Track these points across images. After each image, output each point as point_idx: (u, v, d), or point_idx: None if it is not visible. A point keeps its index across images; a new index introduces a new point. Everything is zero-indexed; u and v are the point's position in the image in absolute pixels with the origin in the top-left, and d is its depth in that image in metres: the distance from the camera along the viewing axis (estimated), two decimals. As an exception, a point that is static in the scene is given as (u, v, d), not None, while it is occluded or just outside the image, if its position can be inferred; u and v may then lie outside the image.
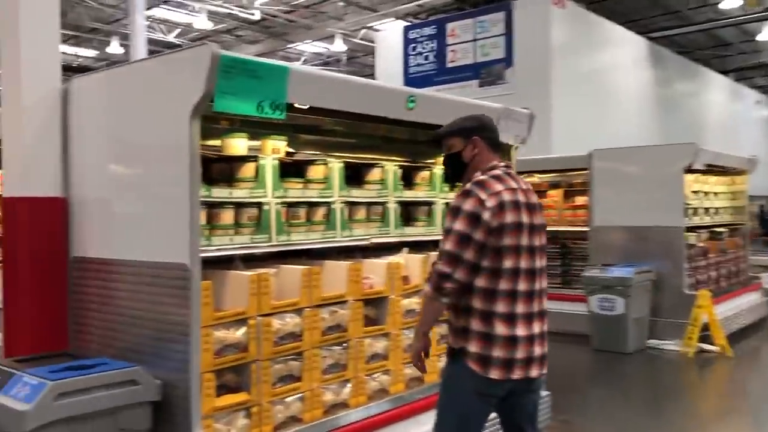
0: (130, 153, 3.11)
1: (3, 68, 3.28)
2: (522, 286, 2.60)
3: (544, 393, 4.56)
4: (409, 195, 4.24)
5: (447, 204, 4.26)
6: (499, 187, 2.61)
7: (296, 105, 3.21)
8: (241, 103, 2.86)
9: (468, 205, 2.55)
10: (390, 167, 4.10)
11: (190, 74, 2.74)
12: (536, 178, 8.81)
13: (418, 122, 3.83)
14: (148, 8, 13.79)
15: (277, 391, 3.21)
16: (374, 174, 4.05)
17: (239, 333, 3.05)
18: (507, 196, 2.60)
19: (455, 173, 2.87)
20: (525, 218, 2.63)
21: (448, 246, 2.53)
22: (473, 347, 2.57)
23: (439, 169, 4.39)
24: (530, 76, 10.95)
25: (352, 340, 3.58)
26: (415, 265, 4.01)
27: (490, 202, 2.56)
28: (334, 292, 3.52)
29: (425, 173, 4.41)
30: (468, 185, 2.64)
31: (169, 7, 15.37)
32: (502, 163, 2.77)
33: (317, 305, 3.41)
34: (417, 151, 4.75)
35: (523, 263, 2.61)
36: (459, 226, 2.53)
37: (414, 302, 3.88)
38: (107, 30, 18.19)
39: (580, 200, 8.46)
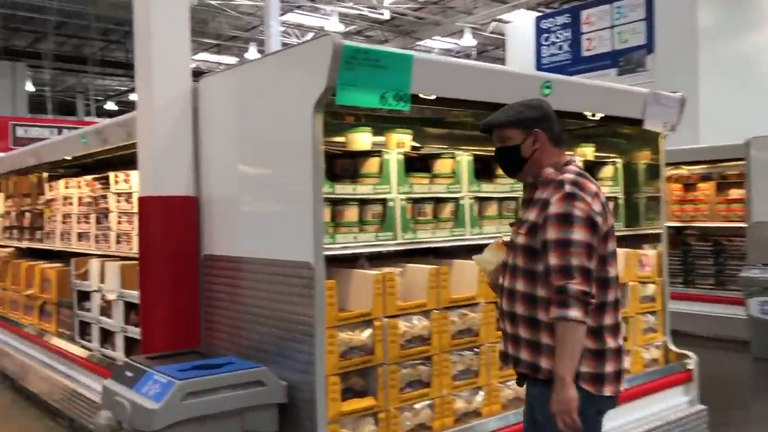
0: (255, 151, 3.09)
1: (136, 71, 3.37)
2: (615, 295, 2.37)
3: (700, 407, 4.13)
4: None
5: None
6: (594, 187, 2.31)
7: (421, 96, 3.04)
8: (364, 95, 2.73)
9: (579, 211, 2.21)
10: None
11: (312, 67, 2.66)
12: (685, 170, 8.11)
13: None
14: (283, 14, 14.26)
15: (405, 396, 3.06)
16: (506, 168, 3.80)
17: (364, 335, 2.93)
18: (603, 197, 2.33)
19: (509, 169, 2.52)
20: (611, 220, 2.36)
21: (577, 260, 2.17)
22: (584, 367, 2.25)
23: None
24: (674, 62, 10.15)
25: (484, 345, 3.36)
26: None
27: (596, 206, 2.26)
28: (464, 294, 3.32)
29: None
30: (568, 187, 2.25)
31: (302, 12, 15.81)
32: (575, 157, 2.45)
33: (446, 307, 3.23)
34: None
35: (616, 270, 2.38)
36: (579, 235, 2.19)
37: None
38: (246, 37, 19.06)
39: (735, 193, 7.68)
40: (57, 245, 5.88)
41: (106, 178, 5.10)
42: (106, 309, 4.67)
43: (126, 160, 5.37)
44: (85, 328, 5.05)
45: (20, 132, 16.80)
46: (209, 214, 3.32)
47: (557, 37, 12.05)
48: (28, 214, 6.66)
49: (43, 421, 4.92)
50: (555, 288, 2.19)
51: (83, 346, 5.00)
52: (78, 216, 5.56)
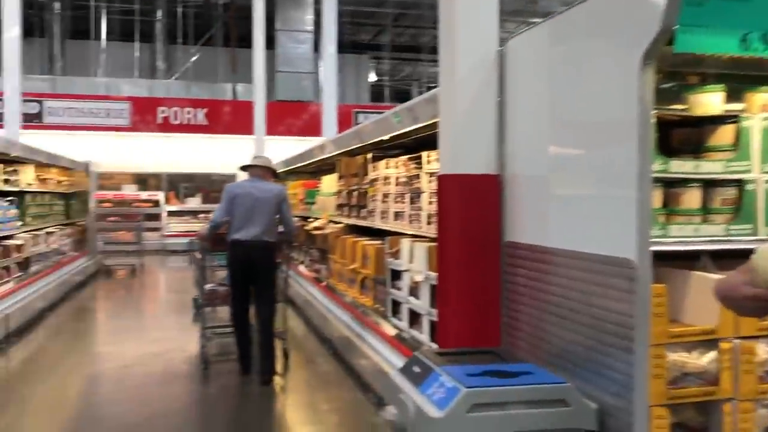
0: (567, 120, 2.57)
1: (440, 37, 3.09)
2: None
3: None
4: None
5: None
6: None
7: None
8: (717, 38, 2.04)
9: None
10: None
11: (641, 6, 2.05)
12: None
13: None
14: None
15: (762, 444, 2.29)
16: None
17: (706, 359, 2.24)
18: None
19: None
20: None
21: None
22: None
23: None
24: None
25: None
26: None
27: None
28: None
29: None
30: None
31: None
32: None
33: (828, 329, 2.34)
34: None
35: None
36: None
37: None
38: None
39: None
40: (377, 223, 6.06)
41: (419, 157, 5.02)
42: (414, 289, 4.60)
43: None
44: (396, 307, 5.07)
45: (361, 118, 18.43)
46: (513, 195, 2.91)
47: None
48: (355, 193, 7.04)
49: (354, 394, 5.07)
50: None
51: (394, 325, 5.02)
52: (395, 195, 5.63)
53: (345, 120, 16.96)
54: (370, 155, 6.57)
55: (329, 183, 8.66)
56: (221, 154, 17.82)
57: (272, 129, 15.50)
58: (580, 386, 2.25)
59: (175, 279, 13.15)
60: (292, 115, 18.10)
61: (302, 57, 19.15)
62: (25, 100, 16.23)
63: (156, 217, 17.05)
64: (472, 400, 2.09)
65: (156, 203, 17.28)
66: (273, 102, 17.53)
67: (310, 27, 19.16)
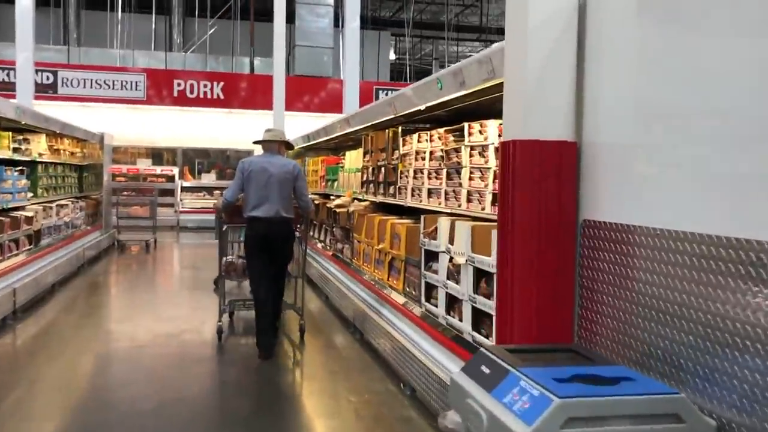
0: (681, 74, 2.13)
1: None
2: None
3: None
4: None
5: None
6: None
7: None
8: None
9: None
10: None
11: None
12: None
13: None
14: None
15: None
16: None
17: None
18: None
19: None
20: None
21: None
22: None
23: None
24: None
25: None
26: None
27: None
28: None
29: None
30: None
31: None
32: None
33: None
34: None
35: None
36: None
37: None
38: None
39: None
40: (408, 201, 5.65)
41: (460, 129, 4.59)
42: (453, 273, 4.19)
43: (481, 110, 4.82)
44: (431, 291, 4.67)
45: (382, 96, 17.95)
46: (593, 165, 2.48)
47: None
48: (382, 169, 6.62)
49: (384, 384, 4.69)
50: None
51: (428, 310, 4.63)
52: (429, 171, 5.21)
53: (365, 97, 16.47)
54: (400, 128, 6.15)
55: (353, 159, 8.24)
56: (237, 130, 17.44)
57: (290, 104, 15.07)
58: (690, 398, 1.85)
59: (189, 255, 12.84)
60: (310, 90, 17.65)
61: (322, 31, 18.64)
62: (39, 70, 15.91)
63: (170, 192, 16.72)
64: (567, 413, 1.68)
65: (171, 178, 16.94)
66: (291, 77, 17.06)
67: (331, 1, 18.63)
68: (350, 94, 12.75)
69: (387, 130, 6.49)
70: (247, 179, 5.44)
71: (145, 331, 6.18)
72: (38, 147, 8.84)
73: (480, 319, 3.81)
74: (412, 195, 5.60)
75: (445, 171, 4.84)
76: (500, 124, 4.01)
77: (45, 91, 16.09)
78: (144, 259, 11.51)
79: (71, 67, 16.99)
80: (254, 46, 19.28)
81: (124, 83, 16.76)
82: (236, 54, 19.85)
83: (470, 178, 4.38)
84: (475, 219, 4.28)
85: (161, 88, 17.00)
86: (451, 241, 4.24)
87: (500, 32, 24.02)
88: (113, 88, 16.69)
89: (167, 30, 20.86)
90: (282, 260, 5.62)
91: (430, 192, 5.19)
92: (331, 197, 9.33)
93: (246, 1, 20.60)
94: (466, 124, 4.43)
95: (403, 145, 6.00)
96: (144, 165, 17.07)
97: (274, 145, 5.72)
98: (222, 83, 17.35)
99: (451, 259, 4.22)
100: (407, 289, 5.19)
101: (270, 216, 5.36)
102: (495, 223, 3.89)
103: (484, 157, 4.21)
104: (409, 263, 5.18)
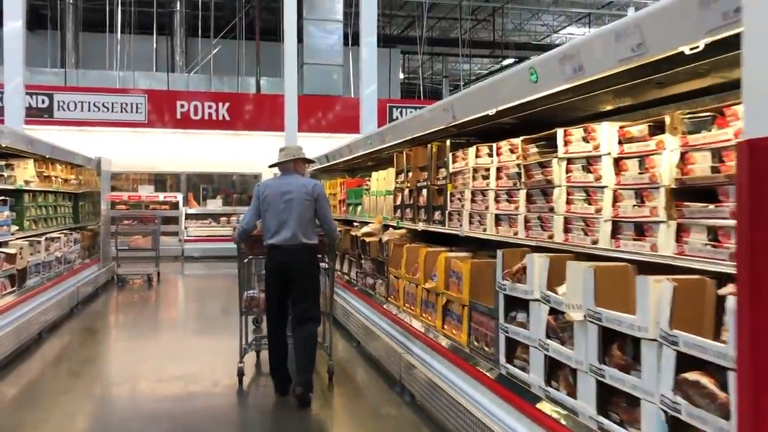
0: None
1: None
2: None
3: None
4: None
5: None
6: None
7: None
8: None
9: None
10: None
11: None
12: None
13: None
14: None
15: None
16: None
17: None
18: None
19: None
20: None
21: None
22: None
23: None
24: None
25: None
26: None
27: None
28: None
29: None
30: None
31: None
32: None
33: None
34: None
35: None
36: None
37: None
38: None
39: None
40: (465, 230, 4.58)
41: (549, 138, 3.54)
42: (557, 330, 3.11)
43: (571, 116, 3.78)
44: (514, 349, 3.59)
45: (396, 114, 16.98)
46: None
47: None
48: (424, 191, 5.57)
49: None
50: None
51: (511, 374, 3.54)
52: (496, 192, 4.16)
53: (379, 116, 15.51)
54: (448, 142, 5.11)
55: (383, 180, 7.20)
56: (244, 153, 16.46)
57: (300, 125, 14.07)
58: None
59: (196, 289, 11.76)
60: (321, 109, 16.67)
61: (331, 48, 17.72)
62: (33, 94, 14.98)
63: (174, 220, 15.70)
64: None
65: (174, 205, 15.93)
66: (301, 96, 16.09)
67: (340, 16, 17.74)
68: (368, 113, 11.74)
69: (430, 145, 5.45)
70: (264, 203, 4.97)
71: (148, 395, 5.09)
72: (24, 174, 7.81)
73: (609, 398, 2.73)
74: (471, 222, 4.54)
75: (523, 192, 3.78)
76: (622, 127, 2.96)
77: (40, 115, 15.14)
78: (146, 296, 10.43)
79: (68, 89, 16.05)
80: (260, 65, 18.36)
81: (124, 105, 15.80)
82: (241, 74, 18.93)
83: (569, 201, 3.32)
84: (578, 256, 3.22)
85: (163, 110, 16.03)
86: (552, 284, 3.17)
87: (515, 47, 23.18)
88: (112, 111, 15.71)
89: (169, 51, 19.98)
90: (305, 293, 4.94)
91: (498, 219, 4.13)
92: (355, 224, 8.27)
93: (251, 20, 19.74)
94: (560, 130, 3.38)
95: (454, 161, 4.96)
96: (146, 191, 16.09)
97: (290, 164, 5.17)
98: (227, 104, 16.38)
99: (553, 311, 3.14)
100: (474, 343, 4.10)
101: (288, 242, 4.87)
102: (623, 264, 2.85)
103: (591, 172, 3.15)
104: (476, 310, 4.10)
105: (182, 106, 16.12)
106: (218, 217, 16.35)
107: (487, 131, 4.76)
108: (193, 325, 8.42)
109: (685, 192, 2.56)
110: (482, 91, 3.81)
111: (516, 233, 3.87)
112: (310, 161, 5.54)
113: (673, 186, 2.59)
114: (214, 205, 16.72)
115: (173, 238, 15.50)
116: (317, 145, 11.67)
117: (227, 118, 16.35)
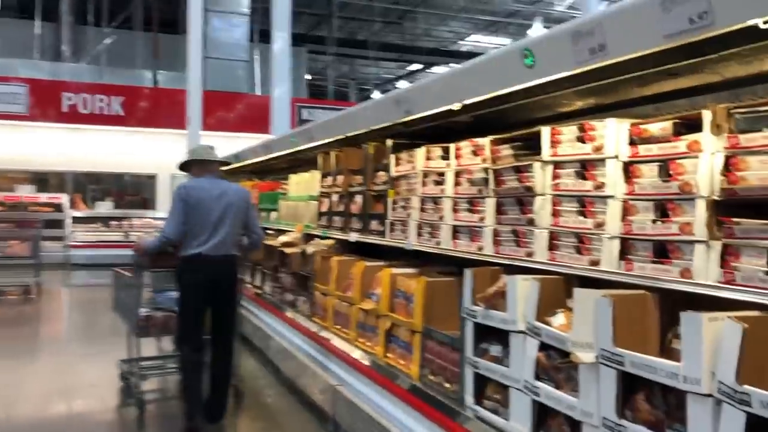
0: None
1: None
2: None
3: None
4: None
5: None
6: None
7: None
8: None
9: None
10: None
11: None
12: None
13: None
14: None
15: None
16: None
17: None
18: None
19: None
20: None
21: None
22: None
23: None
24: None
25: None
26: None
27: None
28: None
29: None
30: None
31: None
32: None
33: None
34: None
35: None
36: None
37: None
38: (527, 12, 16.61)
39: None
40: (412, 242, 3.98)
41: (529, 138, 3.00)
42: (549, 371, 2.55)
43: (526, 117, 3.27)
44: (483, 387, 3.01)
45: (305, 114, 16.25)
46: None
47: None
48: (358, 197, 4.93)
49: None
50: None
51: (481, 418, 2.96)
52: (455, 200, 3.58)
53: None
54: (390, 142, 4.49)
55: (304, 183, 6.49)
56: (139, 151, 15.19)
57: (203, 122, 13.09)
58: None
59: (82, 302, 10.52)
60: (226, 107, 15.65)
61: (237, 43, 16.75)
62: None
63: (58, 224, 14.19)
64: None
65: (58, 207, 14.42)
66: (204, 92, 15.04)
67: (246, 10, 16.81)
68: (280, 111, 10.97)
69: (366, 146, 4.82)
70: (193, 209, 4.36)
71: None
72: None
73: (626, 460, 2.18)
74: (419, 234, 3.94)
75: (491, 201, 3.22)
76: (635, 125, 2.44)
77: None
78: (21, 312, 9.14)
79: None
80: (159, 58, 17.10)
81: (1, 95, 14.16)
82: (136, 67, 17.56)
83: (555, 213, 2.78)
84: (568, 279, 2.69)
85: (47, 102, 14.50)
86: (542, 312, 2.60)
87: (426, 53, 22.95)
88: (-14, 102, 14.05)
89: (55, 38, 18.26)
90: (232, 313, 4.63)
91: (457, 231, 3.55)
92: (269, 232, 7.49)
93: (147, 8, 18.38)
94: (545, 129, 2.84)
95: (397, 164, 4.35)
96: (25, 192, 14.48)
97: (216, 165, 4.73)
98: (121, 98, 15.05)
99: (544, 346, 2.57)
100: (430, 377, 3.49)
101: (222, 253, 4.41)
102: (640, 291, 2.32)
103: (588, 179, 2.62)
104: (432, 338, 3.50)
105: (69, 98, 14.67)
106: (108, 220, 14.96)
107: (433, 132, 4.20)
108: (77, 344, 7.35)
109: (731, 206, 2.06)
110: (451, 79, 3.21)
111: (481, 248, 3.30)
112: (227, 164, 5.06)
113: (716, 197, 2.08)
114: (104, 207, 15.33)
115: (57, 244, 14.01)
116: (221, 145, 10.75)
117: (120, 113, 15.03)
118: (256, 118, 14.21)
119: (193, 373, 4.39)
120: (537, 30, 19.03)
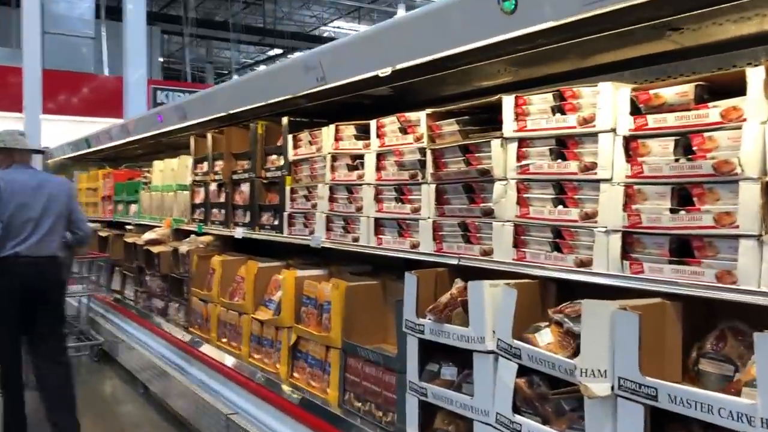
0: None
1: None
2: None
3: None
4: None
5: None
6: None
7: None
8: None
9: None
10: None
11: None
12: None
13: None
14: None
15: None
16: None
17: None
18: None
19: None
20: None
21: None
22: None
23: None
24: None
25: None
26: None
27: None
28: None
29: None
30: None
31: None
32: None
33: None
34: None
35: None
36: None
37: None
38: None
39: None
40: (320, 238, 3.31)
41: (485, 108, 2.45)
42: (537, 402, 2.01)
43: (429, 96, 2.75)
44: (431, 417, 2.43)
45: (160, 97, 14.88)
46: None
47: None
48: (245, 186, 4.17)
49: None
50: None
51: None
52: (377, 188, 2.96)
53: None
54: (286, 120, 3.79)
55: (170, 171, 5.59)
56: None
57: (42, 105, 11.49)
58: None
59: None
60: (69, 88, 13.90)
61: (80, 18, 14.98)
62: None
63: None
64: None
65: None
66: (42, 71, 13.27)
67: (91, -20, 15.09)
68: (135, 93, 9.79)
69: (254, 124, 4.07)
70: (7, 203, 3.85)
71: None
72: None
73: None
74: (329, 229, 3.29)
75: (429, 188, 2.64)
76: (639, 89, 1.94)
77: None
78: None
79: None
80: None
81: None
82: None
83: (522, 202, 2.25)
84: (545, 282, 2.17)
85: None
86: (517, 331, 2.06)
87: (289, 36, 22.01)
88: None
89: None
90: (58, 322, 4.14)
91: (380, 225, 2.94)
92: (128, 228, 6.49)
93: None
94: (508, 97, 2.29)
95: (296, 145, 3.66)
96: None
97: (29, 154, 4.38)
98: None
99: (524, 370, 2.03)
100: (355, 403, 2.86)
101: (44, 253, 3.94)
102: (657, 300, 1.83)
103: (569, 158, 2.10)
104: (357, 356, 2.86)
105: None
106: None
107: (338, 109, 3.57)
108: None
109: (786, 190, 1.61)
110: (385, 35, 2.56)
111: (415, 245, 2.71)
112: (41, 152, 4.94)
113: (770, 179, 1.62)
114: None
115: None
116: (63, 130, 9.45)
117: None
118: (105, 101, 12.74)
119: (11, 393, 3.89)
120: (401, 12, 18.81)
